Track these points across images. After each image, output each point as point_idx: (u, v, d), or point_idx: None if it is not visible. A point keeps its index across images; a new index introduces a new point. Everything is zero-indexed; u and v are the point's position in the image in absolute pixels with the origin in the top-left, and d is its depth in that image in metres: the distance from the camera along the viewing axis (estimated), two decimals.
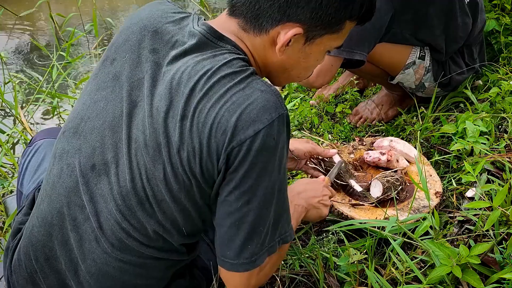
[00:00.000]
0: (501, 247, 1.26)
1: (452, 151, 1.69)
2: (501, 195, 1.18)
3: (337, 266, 1.32)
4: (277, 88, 1.28)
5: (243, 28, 0.98)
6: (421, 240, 1.29)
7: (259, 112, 0.87)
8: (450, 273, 1.13)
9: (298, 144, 1.51)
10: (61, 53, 2.71)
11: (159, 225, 0.99)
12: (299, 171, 1.79)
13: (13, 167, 2.21)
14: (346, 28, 1.00)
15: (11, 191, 1.99)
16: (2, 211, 1.92)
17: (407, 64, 1.90)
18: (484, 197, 1.43)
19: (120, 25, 3.89)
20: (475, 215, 1.38)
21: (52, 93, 2.57)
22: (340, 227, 1.37)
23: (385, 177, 1.54)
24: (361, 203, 1.50)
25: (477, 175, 1.39)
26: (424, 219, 1.36)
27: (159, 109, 0.93)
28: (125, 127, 0.97)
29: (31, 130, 2.46)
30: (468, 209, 1.41)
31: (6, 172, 2.21)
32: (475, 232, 1.34)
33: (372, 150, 1.72)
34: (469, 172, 1.39)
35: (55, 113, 2.59)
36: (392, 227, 1.30)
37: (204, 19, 1.03)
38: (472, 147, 1.63)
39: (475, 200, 1.47)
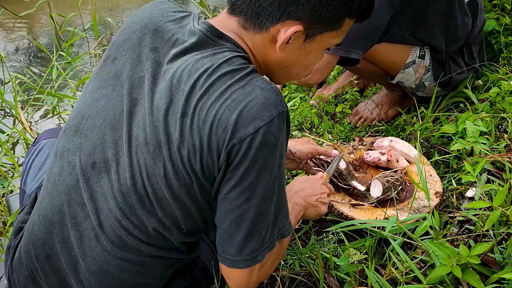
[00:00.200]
0: (501, 247, 1.26)
1: (452, 151, 1.69)
2: (501, 195, 1.18)
3: (337, 266, 1.32)
4: (278, 86, 1.29)
5: (243, 26, 0.99)
6: (421, 240, 1.29)
7: (259, 109, 0.88)
8: (450, 273, 1.13)
9: (300, 145, 1.51)
10: (61, 53, 2.71)
11: (159, 223, 0.99)
12: (300, 171, 1.79)
13: (13, 167, 2.21)
14: (346, 26, 1.01)
15: (11, 191, 1.99)
16: (2, 211, 1.92)
17: (407, 64, 1.91)
18: (484, 197, 1.43)
19: (121, 25, 3.90)
20: (475, 215, 1.38)
21: (52, 93, 2.58)
22: (341, 227, 1.37)
23: (385, 177, 1.54)
24: (361, 203, 1.50)
25: (477, 175, 1.39)
26: (424, 219, 1.36)
27: (160, 107, 0.93)
28: (125, 125, 0.98)
29: (31, 130, 2.46)
30: (468, 209, 1.41)
31: (6, 172, 2.21)
32: (475, 232, 1.34)
33: (372, 150, 1.72)
34: (469, 172, 1.39)
35: (55, 113, 2.59)
36: (392, 227, 1.29)
37: (205, 18, 1.04)
38: (472, 147, 1.63)
39: (475, 200, 1.47)
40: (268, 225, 0.96)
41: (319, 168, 1.56)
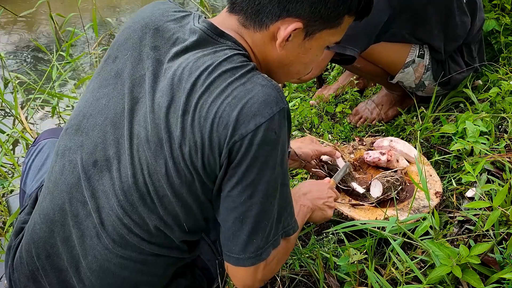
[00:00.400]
0: (501, 247, 1.26)
1: (452, 151, 1.69)
2: (501, 195, 1.18)
3: (337, 266, 1.32)
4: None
5: (243, 24, 0.99)
6: (421, 240, 1.29)
7: (260, 106, 0.88)
8: (450, 273, 1.13)
9: (304, 147, 1.52)
10: (61, 53, 2.71)
11: (160, 221, 0.99)
12: (300, 170, 1.80)
13: (13, 167, 2.21)
14: (345, 23, 1.01)
15: (11, 191, 1.99)
16: (2, 211, 1.92)
17: (407, 63, 1.91)
18: (484, 197, 1.43)
19: (121, 25, 3.90)
20: (475, 215, 1.38)
21: (52, 93, 2.58)
22: (341, 228, 1.37)
23: (385, 177, 1.54)
24: (361, 203, 1.50)
25: (477, 175, 1.39)
26: (424, 219, 1.36)
27: (161, 105, 0.93)
28: (127, 123, 0.98)
29: (31, 130, 2.46)
30: (468, 209, 1.41)
31: (6, 172, 2.21)
32: (475, 232, 1.34)
33: (372, 150, 1.72)
34: (469, 172, 1.39)
35: (55, 113, 2.59)
36: (392, 227, 1.29)
37: (205, 17, 1.04)
38: (472, 147, 1.63)
39: (475, 200, 1.47)
40: (272, 223, 0.96)
41: (319, 170, 1.56)
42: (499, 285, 1.14)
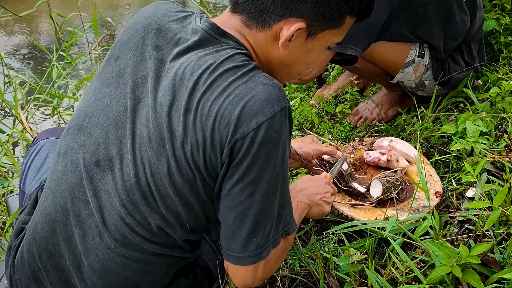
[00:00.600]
0: (501, 247, 1.26)
1: (452, 151, 1.69)
2: (501, 195, 1.18)
3: (337, 266, 1.32)
4: None
5: (245, 24, 1.00)
6: (421, 240, 1.29)
7: (262, 105, 0.88)
8: (450, 273, 1.13)
9: (305, 146, 1.52)
10: (61, 53, 2.71)
11: (162, 220, 0.99)
12: (300, 169, 1.80)
13: (13, 167, 2.21)
14: (347, 24, 1.02)
15: (11, 191, 1.99)
16: (1, 211, 1.92)
17: (407, 63, 1.91)
18: (484, 197, 1.43)
19: (121, 25, 3.90)
20: (475, 215, 1.38)
21: (52, 93, 2.58)
22: (342, 228, 1.37)
23: (385, 177, 1.54)
24: (361, 203, 1.50)
25: (477, 175, 1.39)
26: (424, 219, 1.36)
27: (163, 104, 0.94)
28: (129, 123, 0.98)
29: (31, 130, 2.46)
30: (468, 209, 1.41)
31: (6, 172, 2.21)
32: (475, 232, 1.34)
33: (372, 150, 1.72)
34: (469, 172, 1.39)
35: (55, 113, 2.59)
36: (392, 227, 1.30)
37: (207, 17, 1.04)
38: (472, 147, 1.63)
39: (475, 200, 1.47)
40: (272, 222, 0.97)
41: (320, 169, 1.56)
42: (499, 285, 1.14)
